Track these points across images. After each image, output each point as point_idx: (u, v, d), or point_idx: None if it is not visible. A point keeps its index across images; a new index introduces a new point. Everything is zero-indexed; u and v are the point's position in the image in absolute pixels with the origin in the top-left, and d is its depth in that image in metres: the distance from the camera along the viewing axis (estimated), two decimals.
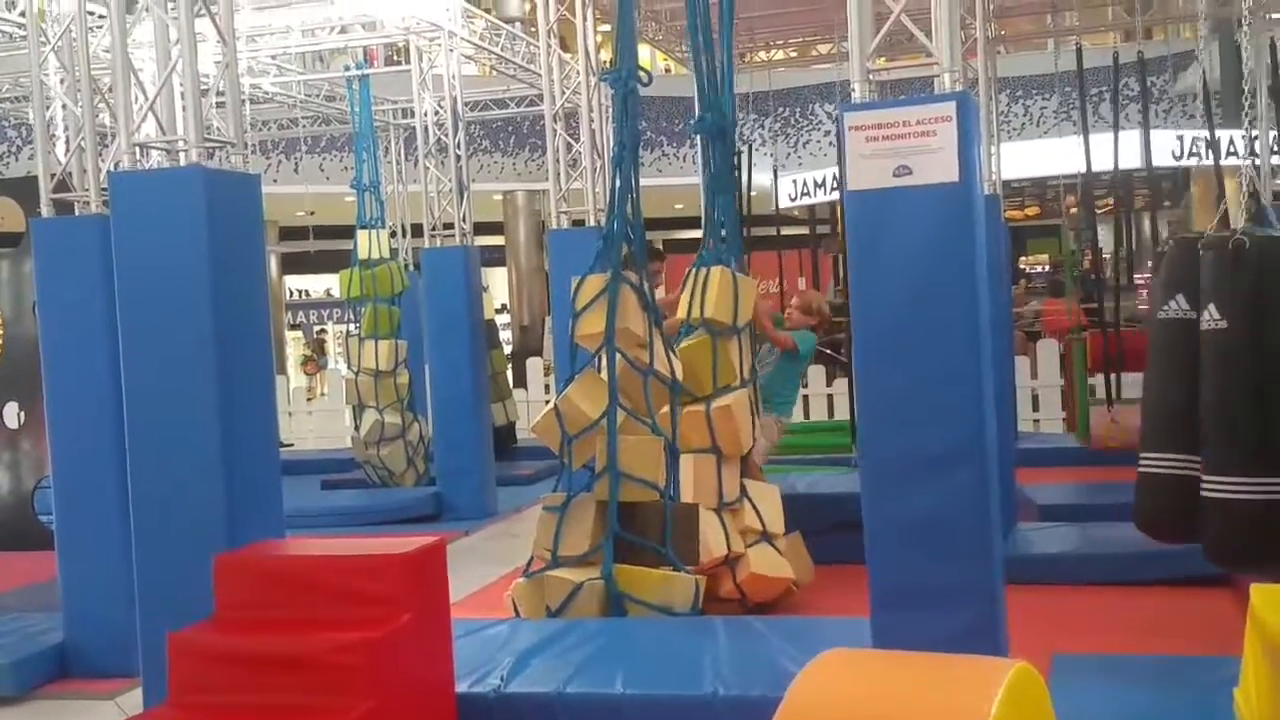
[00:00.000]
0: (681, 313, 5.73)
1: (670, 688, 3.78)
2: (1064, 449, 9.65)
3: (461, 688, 3.88)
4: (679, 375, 5.53)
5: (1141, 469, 5.10)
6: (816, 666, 2.08)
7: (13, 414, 7.69)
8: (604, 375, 5.32)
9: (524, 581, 5.26)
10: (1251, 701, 2.89)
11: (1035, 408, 12.17)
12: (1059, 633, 5.07)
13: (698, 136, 5.97)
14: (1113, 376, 8.55)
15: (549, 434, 5.34)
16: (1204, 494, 4.45)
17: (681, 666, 3.96)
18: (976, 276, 3.90)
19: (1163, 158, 13.22)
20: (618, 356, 5.26)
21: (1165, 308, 5.01)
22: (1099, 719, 3.75)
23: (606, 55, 9.59)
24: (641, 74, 5.50)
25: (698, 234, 6.45)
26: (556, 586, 5.06)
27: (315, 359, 21.65)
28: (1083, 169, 8.56)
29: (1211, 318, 4.36)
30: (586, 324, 5.30)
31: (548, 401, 5.54)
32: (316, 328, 24.23)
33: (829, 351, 14.78)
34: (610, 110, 10.25)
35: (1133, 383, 9.15)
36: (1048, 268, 20.83)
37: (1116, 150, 8.30)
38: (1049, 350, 12.23)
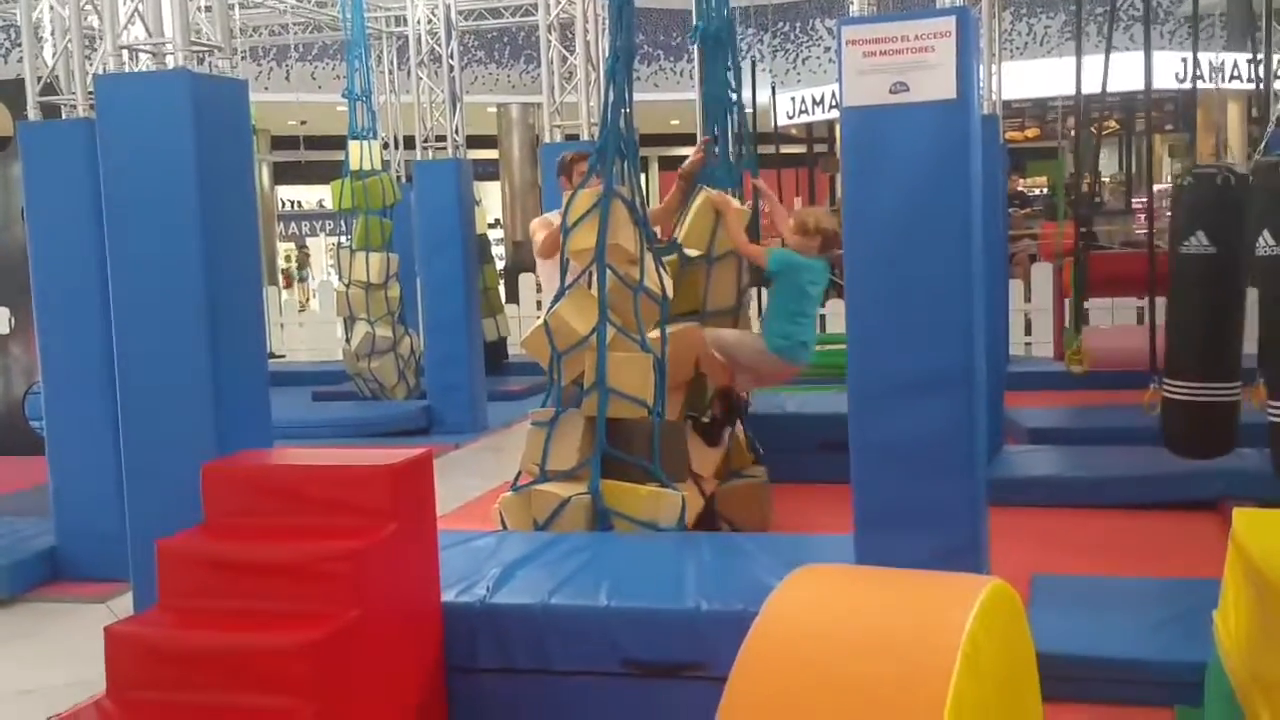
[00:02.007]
0: (681, 234, 5.70)
1: (654, 601, 3.82)
2: (1055, 373, 9.66)
3: (447, 597, 3.91)
4: (669, 292, 5.50)
5: (1168, 395, 5.33)
6: (792, 581, 2.09)
7: (2, 319, 7.70)
8: (594, 291, 5.30)
9: (511, 495, 5.29)
10: (1229, 624, 2.92)
11: (1028, 331, 12.18)
12: (1040, 554, 5.12)
13: (695, 48, 5.85)
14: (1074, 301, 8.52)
15: (538, 349, 5.33)
16: (1270, 419, 4.66)
17: (665, 580, 3.99)
18: (971, 197, 3.87)
19: (1166, 80, 13.07)
20: (608, 273, 5.23)
21: (1186, 243, 5.09)
22: (1076, 638, 3.79)
23: None
24: None
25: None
26: (544, 500, 5.08)
27: (289, 272, 21.55)
28: (1089, 90, 8.46)
29: (1267, 244, 4.41)
30: (577, 239, 5.27)
31: (539, 317, 5.49)
32: (297, 245, 24.05)
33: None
34: (606, 22, 10.13)
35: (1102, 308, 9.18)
36: (1047, 190, 20.73)
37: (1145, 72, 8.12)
38: (1043, 274, 12.20)
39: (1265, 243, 4.45)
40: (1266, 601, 2.56)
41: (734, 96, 5.92)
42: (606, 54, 6.00)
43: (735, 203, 5.83)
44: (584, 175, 5.81)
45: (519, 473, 5.37)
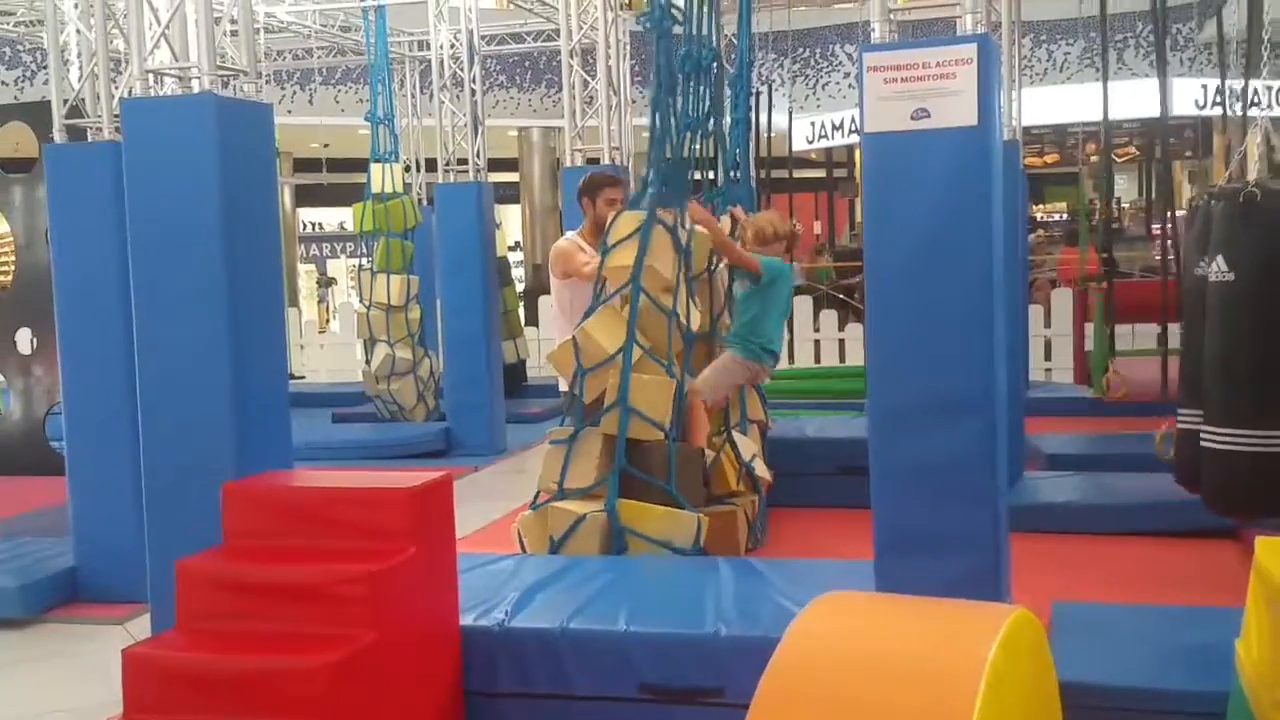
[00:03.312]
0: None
1: (673, 626, 3.80)
2: (1075, 399, 9.62)
3: (466, 621, 3.91)
4: (695, 325, 5.51)
5: (1183, 425, 5.07)
6: (815, 609, 2.08)
7: (25, 340, 7.74)
8: (624, 311, 5.31)
9: (530, 514, 5.29)
10: (1253, 653, 2.89)
11: (1048, 356, 12.12)
12: (1061, 581, 5.08)
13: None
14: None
15: (564, 364, 5.33)
16: (1203, 444, 4.47)
17: (685, 605, 3.98)
18: (992, 223, 3.87)
19: (1186, 107, 13.07)
20: (641, 296, 5.24)
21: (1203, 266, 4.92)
22: (1097, 667, 3.76)
23: None
24: (675, 14, 5.45)
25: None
26: (560, 517, 5.07)
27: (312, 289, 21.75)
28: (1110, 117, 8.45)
29: (1220, 270, 4.32)
30: (615, 258, 5.29)
31: (556, 339, 5.51)
32: (318, 268, 24.22)
33: (842, 296, 14.77)
34: (627, 47, 10.17)
35: (1140, 334, 9.16)
36: (1066, 216, 20.71)
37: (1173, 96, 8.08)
38: (1063, 299, 12.16)
39: (1219, 269, 4.38)
40: None
41: (711, 124, 5.87)
42: (630, 79, 6.03)
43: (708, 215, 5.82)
44: (612, 202, 5.87)
45: (538, 492, 5.37)
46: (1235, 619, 3.11)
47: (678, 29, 5.46)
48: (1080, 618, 4.25)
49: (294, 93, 17.33)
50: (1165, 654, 3.87)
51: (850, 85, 18.39)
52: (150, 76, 4.59)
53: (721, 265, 5.94)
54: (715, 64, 5.76)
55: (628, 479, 5.16)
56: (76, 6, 6.01)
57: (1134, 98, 11.78)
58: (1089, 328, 8.41)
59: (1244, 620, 3.00)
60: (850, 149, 18.19)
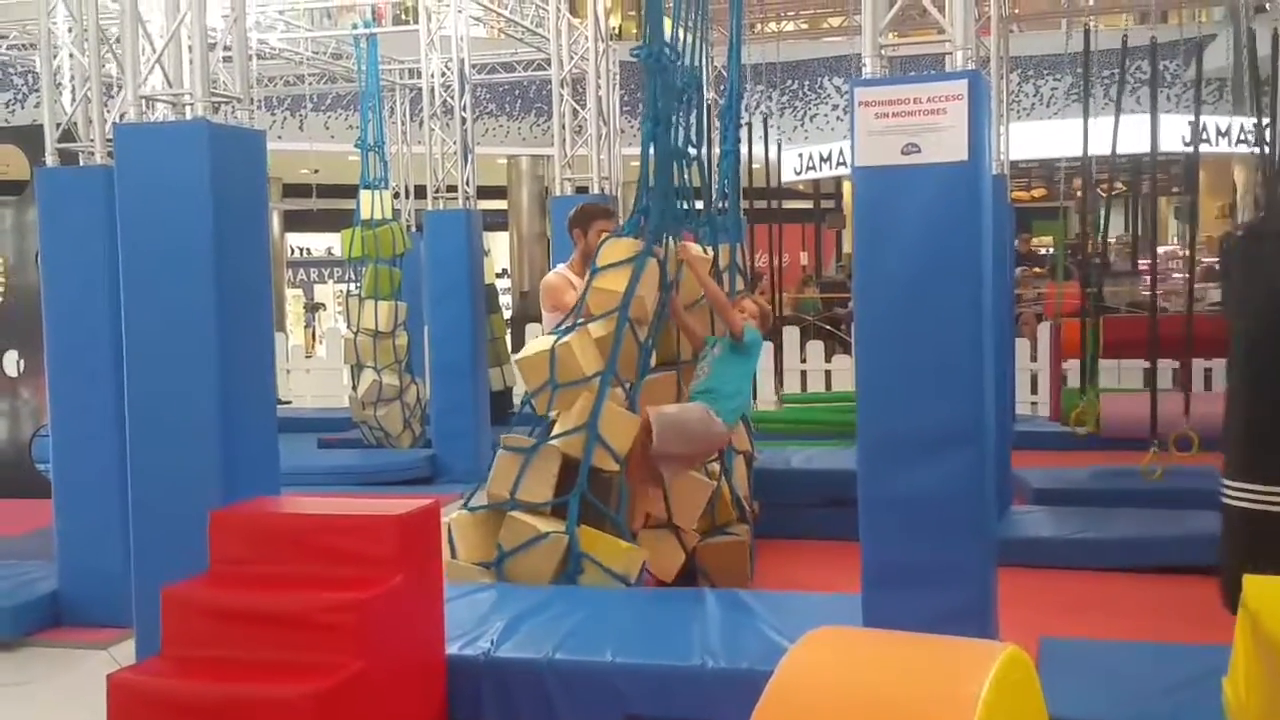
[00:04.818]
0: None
1: (659, 658, 3.80)
2: (1060, 433, 9.62)
3: (451, 650, 3.90)
4: (652, 361, 5.49)
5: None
6: (805, 645, 2.08)
7: (12, 362, 7.70)
8: (594, 334, 5.27)
9: (465, 514, 5.12)
10: (1239, 691, 2.90)
11: (1034, 390, 12.15)
12: (1048, 616, 5.08)
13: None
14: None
15: (535, 373, 5.20)
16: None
17: (671, 637, 3.97)
18: (982, 257, 3.89)
19: (1173, 143, 13.13)
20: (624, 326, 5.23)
21: None
22: (1084, 704, 3.76)
23: (616, 21, 9.54)
24: (668, 50, 5.47)
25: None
26: (518, 529, 4.93)
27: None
28: (1097, 152, 8.54)
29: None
30: (602, 281, 5.25)
31: None
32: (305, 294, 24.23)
33: (829, 327, 14.81)
34: (617, 78, 10.22)
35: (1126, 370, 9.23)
36: (1051, 250, 20.79)
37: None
38: (1048, 333, 12.19)
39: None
40: (1277, 670, 2.54)
41: (693, 152, 5.85)
42: (619, 109, 6.03)
43: (696, 249, 5.79)
44: (604, 233, 5.84)
45: (473, 491, 5.28)
46: (1223, 656, 3.11)
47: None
48: (1068, 654, 4.26)
49: (285, 118, 17.36)
50: (1153, 691, 3.88)
51: (839, 118, 18.50)
52: (143, 102, 4.59)
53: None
54: (696, 92, 5.77)
55: (585, 500, 5.08)
56: (70, 31, 6.02)
57: (1122, 133, 11.85)
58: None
59: (1231, 658, 3.00)
60: (838, 180, 18.29)
